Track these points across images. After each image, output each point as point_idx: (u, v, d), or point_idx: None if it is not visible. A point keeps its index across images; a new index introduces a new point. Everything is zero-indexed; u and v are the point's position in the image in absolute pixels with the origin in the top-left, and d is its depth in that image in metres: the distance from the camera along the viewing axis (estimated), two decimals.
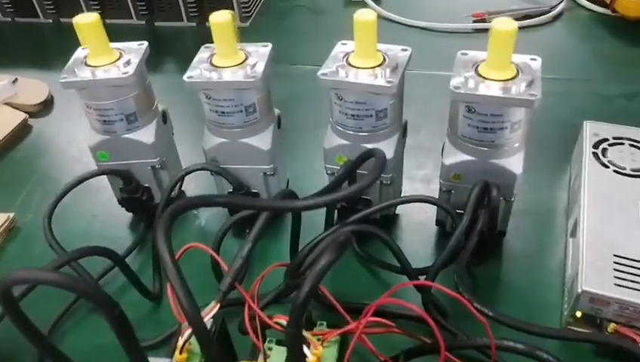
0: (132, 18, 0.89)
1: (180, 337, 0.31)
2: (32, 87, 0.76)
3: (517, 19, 0.84)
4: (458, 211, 0.42)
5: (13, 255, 0.52)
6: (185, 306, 0.22)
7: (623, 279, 0.39)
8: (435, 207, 0.50)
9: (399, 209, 0.52)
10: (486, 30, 0.84)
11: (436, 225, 0.50)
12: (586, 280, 0.39)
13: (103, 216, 0.55)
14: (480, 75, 0.39)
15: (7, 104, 0.73)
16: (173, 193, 0.51)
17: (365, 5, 0.89)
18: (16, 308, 0.24)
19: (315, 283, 0.23)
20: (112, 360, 0.30)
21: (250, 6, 0.86)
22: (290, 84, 0.71)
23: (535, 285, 0.46)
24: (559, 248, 0.48)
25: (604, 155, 0.49)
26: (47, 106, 0.74)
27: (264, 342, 0.32)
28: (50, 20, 0.93)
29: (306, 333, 0.29)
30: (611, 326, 0.38)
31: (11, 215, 0.55)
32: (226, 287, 0.30)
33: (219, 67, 0.43)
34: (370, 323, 0.32)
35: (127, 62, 0.46)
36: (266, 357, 0.31)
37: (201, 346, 0.23)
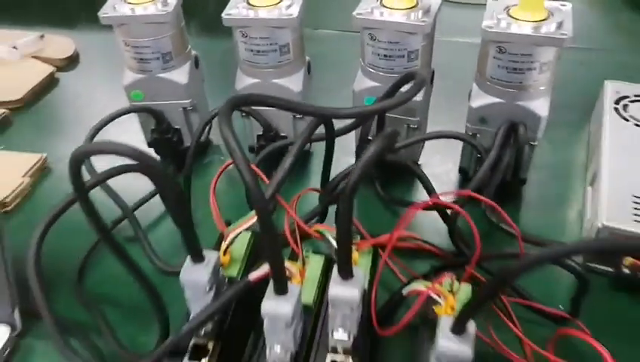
0: None
1: (224, 241, 0.32)
2: (58, 43, 0.77)
3: None
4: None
5: (46, 191, 0.54)
6: (251, 185, 0.23)
7: None
8: (458, 158, 0.51)
9: (421, 159, 0.54)
10: None
11: (459, 172, 0.51)
12: (607, 216, 0.40)
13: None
14: (512, 17, 0.41)
15: (35, 58, 0.74)
16: (202, 138, 0.53)
17: None
18: (82, 182, 0.25)
19: (365, 167, 0.24)
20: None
21: None
22: (314, 47, 0.72)
23: (553, 230, 0.47)
24: (578, 197, 0.50)
25: (625, 110, 0.51)
26: (72, 62, 0.75)
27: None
28: None
29: None
30: (628, 261, 0.39)
31: (44, 155, 0.56)
32: (269, 195, 0.31)
33: (255, 6, 0.45)
34: (401, 238, 0.33)
35: (165, 1, 0.47)
36: (304, 262, 0.32)
37: (263, 227, 0.24)
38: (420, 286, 0.29)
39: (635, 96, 0.52)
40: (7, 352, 0.39)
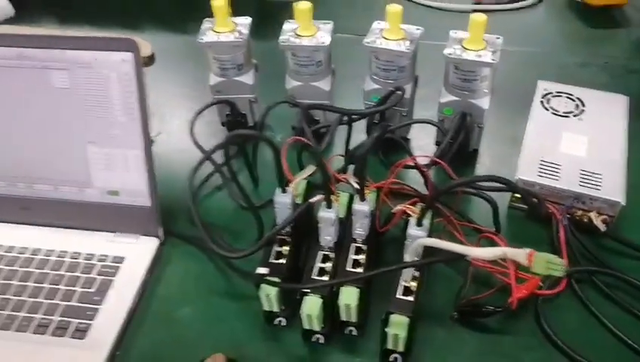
0: None
1: (292, 183, 0.57)
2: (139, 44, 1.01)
3: (507, 2, 1.08)
4: None
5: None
6: (316, 150, 0.49)
7: (543, 173, 0.65)
8: (434, 134, 0.76)
9: (410, 134, 0.78)
10: (483, 10, 1.07)
11: (435, 144, 0.75)
12: (521, 172, 0.65)
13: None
14: (463, 47, 0.65)
15: None
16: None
17: None
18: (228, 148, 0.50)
19: (368, 145, 0.49)
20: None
21: None
22: (335, 49, 0.95)
23: None
24: (516, 160, 0.74)
25: (547, 103, 0.75)
26: (151, 60, 0.99)
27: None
28: None
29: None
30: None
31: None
32: (319, 153, 0.56)
33: (300, 36, 0.69)
34: (393, 183, 0.59)
35: (240, 33, 0.71)
36: (338, 196, 0.57)
37: (322, 171, 0.49)
38: (400, 206, 0.55)
39: (557, 92, 0.77)
40: (156, 255, 0.64)
